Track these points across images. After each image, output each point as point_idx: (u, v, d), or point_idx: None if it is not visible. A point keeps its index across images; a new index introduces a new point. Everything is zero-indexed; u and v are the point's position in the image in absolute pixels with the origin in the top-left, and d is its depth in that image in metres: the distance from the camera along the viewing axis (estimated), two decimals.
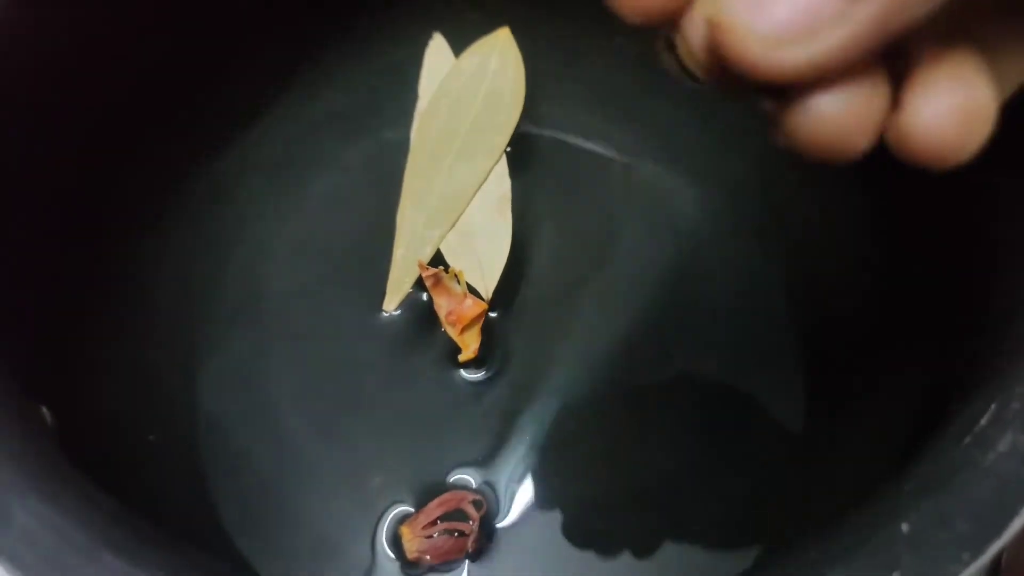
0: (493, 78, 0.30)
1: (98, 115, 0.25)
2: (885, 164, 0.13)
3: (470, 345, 0.28)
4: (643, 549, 0.25)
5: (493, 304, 0.28)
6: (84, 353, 0.24)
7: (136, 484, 0.21)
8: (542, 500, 0.26)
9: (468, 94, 0.30)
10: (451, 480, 0.27)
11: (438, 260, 0.28)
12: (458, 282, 0.28)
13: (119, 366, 0.26)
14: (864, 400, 0.24)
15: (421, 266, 0.27)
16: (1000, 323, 0.18)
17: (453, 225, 0.29)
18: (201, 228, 0.30)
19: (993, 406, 0.16)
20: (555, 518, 0.26)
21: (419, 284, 0.28)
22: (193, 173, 0.30)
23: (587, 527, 0.26)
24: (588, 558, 0.25)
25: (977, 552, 0.15)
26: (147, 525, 0.16)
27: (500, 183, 0.29)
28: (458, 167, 0.29)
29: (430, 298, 0.28)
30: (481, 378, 0.28)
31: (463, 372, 0.28)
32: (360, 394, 0.28)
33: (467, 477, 0.27)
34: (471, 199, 0.29)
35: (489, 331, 0.29)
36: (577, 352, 0.28)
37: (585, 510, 0.26)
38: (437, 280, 0.27)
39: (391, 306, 0.28)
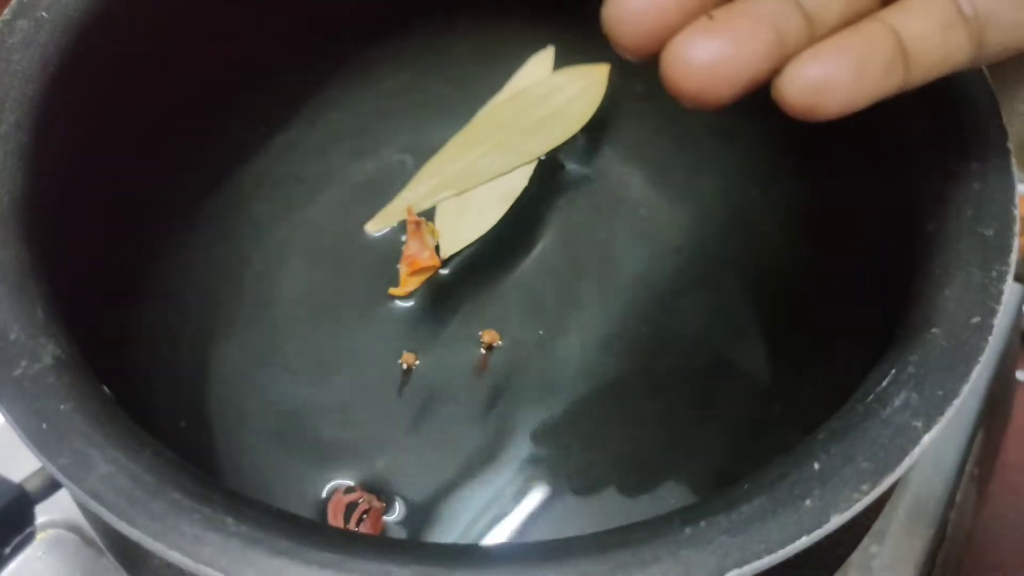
0: (569, 99, 0.34)
1: (140, 137, 0.29)
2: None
3: (407, 286, 0.31)
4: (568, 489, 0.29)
5: (452, 268, 0.33)
6: (127, 347, 0.28)
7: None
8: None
9: (541, 102, 0.34)
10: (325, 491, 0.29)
11: (430, 214, 0.33)
12: (432, 237, 0.32)
13: (150, 359, 0.29)
14: (810, 376, 0.28)
15: (410, 211, 0.31)
16: (905, 305, 0.22)
17: (458, 194, 0.33)
18: (223, 236, 0.33)
19: (893, 371, 0.20)
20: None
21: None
22: (217, 187, 0.33)
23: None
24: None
25: (874, 484, 0.18)
26: (200, 473, 0.19)
27: (517, 180, 0.33)
28: (492, 153, 0.33)
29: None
30: (406, 308, 0.32)
31: (397, 301, 0.32)
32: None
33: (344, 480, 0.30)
34: (486, 182, 0.33)
35: (436, 285, 0.33)
36: (504, 320, 0.32)
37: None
38: (417, 227, 0.31)
39: (372, 228, 0.32)
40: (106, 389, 0.22)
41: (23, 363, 0.20)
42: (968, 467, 0.38)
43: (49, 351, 0.20)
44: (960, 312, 0.20)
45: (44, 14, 0.25)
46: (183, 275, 0.32)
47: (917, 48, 0.17)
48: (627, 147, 0.36)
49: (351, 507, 0.28)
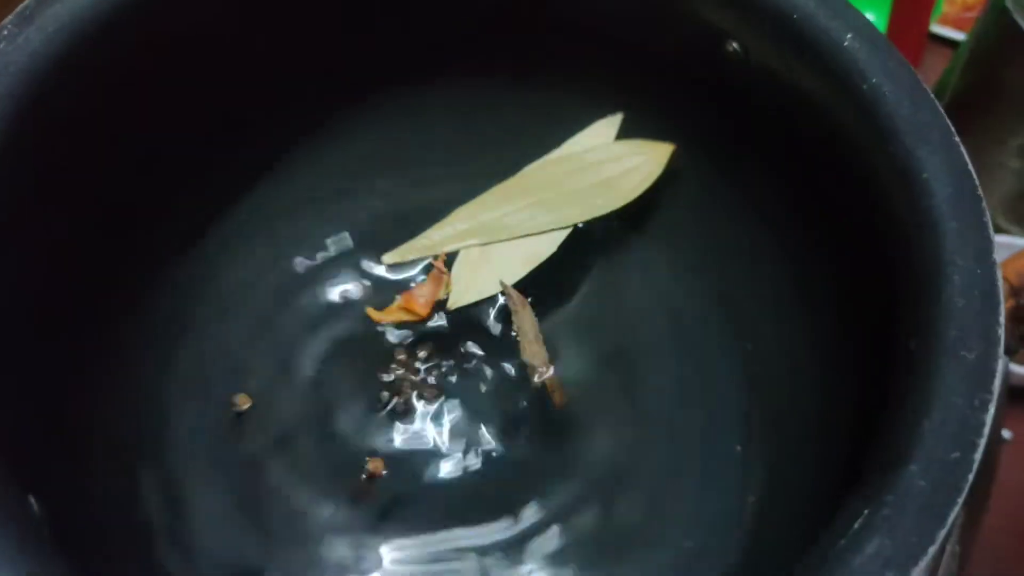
0: (624, 172, 0.32)
1: (91, 203, 0.28)
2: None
3: (388, 315, 0.31)
4: None
5: (448, 319, 0.32)
6: (70, 433, 0.26)
7: (122, 562, 0.23)
8: None
9: (594, 168, 0.32)
10: None
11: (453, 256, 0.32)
12: (445, 290, 0.31)
13: (103, 442, 0.28)
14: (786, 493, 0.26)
15: (442, 259, 0.31)
16: (879, 435, 0.20)
17: (484, 244, 0.32)
18: (182, 310, 0.32)
19: (866, 511, 0.19)
20: None
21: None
22: (179, 253, 0.32)
23: None
24: None
25: None
26: None
27: (545, 244, 0.32)
28: (530, 210, 0.32)
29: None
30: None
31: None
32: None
33: None
34: (515, 238, 0.32)
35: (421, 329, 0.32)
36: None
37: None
38: (439, 273, 0.31)
39: (389, 259, 0.32)
40: (32, 500, 0.21)
41: None
42: (950, 546, 0.37)
43: None
44: (940, 446, 0.19)
45: None
46: (142, 351, 0.30)
47: None
48: (668, 231, 0.34)
49: None
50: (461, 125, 0.34)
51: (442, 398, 0.31)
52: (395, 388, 0.31)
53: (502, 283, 0.30)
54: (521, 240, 0.32)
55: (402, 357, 0.32)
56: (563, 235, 0.32)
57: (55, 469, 0.24)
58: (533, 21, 0.31)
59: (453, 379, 0.32)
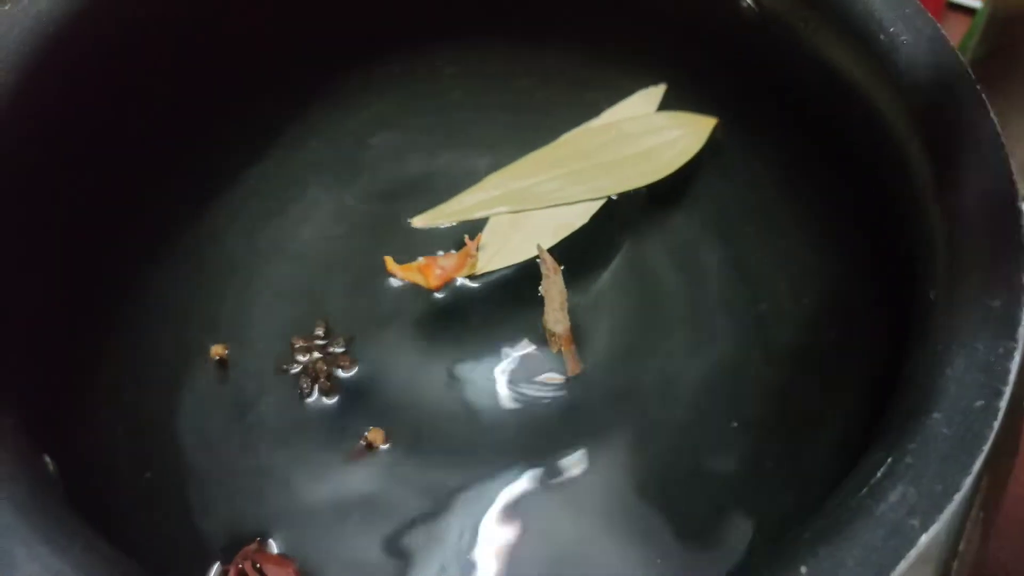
0: (663, 144, 0.31)
1: (98, 169, 0.27)
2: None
3: (405, 273, 0.30)
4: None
5: (477, 290, 0.31)
6: (81, 398, 0.26)
7: (133, 523, 0.23)
8: None
9: (632, 140, 0.32)
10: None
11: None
12: (469, 269, 0.30)
13: (113, 408, 0.28)
14: (794, 455, 0.26)
15: (476, 241, 0.30)
16: (901, 385, 0.20)
17: (514, 212, 0.31)
18: (196, 275, 0.32)
19: (889, 460, 0.18)
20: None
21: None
22: (187, 221, 0.32)
23: None
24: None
25: None
26: (141, 570, 0.18)
27: (577, 216, 0.31)
28: (562, 180, 0.31)
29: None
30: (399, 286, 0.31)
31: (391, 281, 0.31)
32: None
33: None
34: (546, 207, 0.31)
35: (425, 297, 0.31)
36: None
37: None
38: (467, 254, 0.30)
39: (419, 223, 0.31)
40: (47, 459, 0.21)
41: None
42: (973, 512, 0.36)
43: None
44: (963, 395, 0.19)
45: None
46: (151, 316, 0.30)
47: None
48: (700, 205, 0.32)
49: None
50: (482, 90, 0.33)
51: (356, 366, 0.31)
52: (309, 373, 0.31)
53: (538, 246, 0.29)
54: (553, 209, 0.31)
55: (300, 344, 0.31)
56: (596, 206, 0.31)
57: (69, 430, 0.24)
58: None
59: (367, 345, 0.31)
